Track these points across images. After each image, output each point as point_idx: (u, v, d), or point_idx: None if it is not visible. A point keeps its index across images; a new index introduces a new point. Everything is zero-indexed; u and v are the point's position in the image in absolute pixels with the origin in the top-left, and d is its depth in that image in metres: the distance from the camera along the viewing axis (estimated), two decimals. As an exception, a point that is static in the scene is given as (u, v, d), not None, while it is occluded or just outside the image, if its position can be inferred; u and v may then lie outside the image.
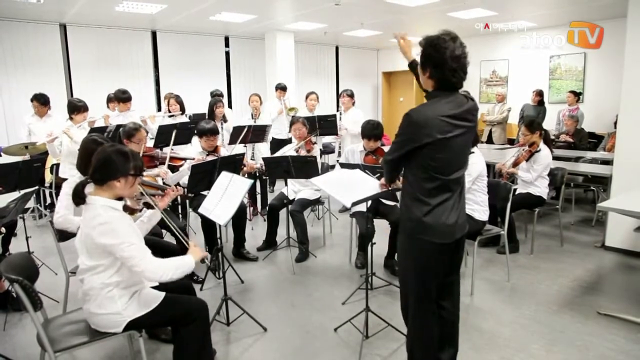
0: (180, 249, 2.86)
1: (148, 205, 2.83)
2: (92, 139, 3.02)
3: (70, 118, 5.03)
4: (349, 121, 6.07)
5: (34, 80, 7.06)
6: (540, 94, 8.08)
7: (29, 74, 7.11)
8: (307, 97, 6.82)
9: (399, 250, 2.42)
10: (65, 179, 4.55)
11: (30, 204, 5.54)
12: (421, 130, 2.07)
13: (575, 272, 4.17)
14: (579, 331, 3.15)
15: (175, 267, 2.25)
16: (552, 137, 6.68)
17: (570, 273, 4.15)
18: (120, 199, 2.30)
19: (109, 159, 2.23)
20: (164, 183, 3.62)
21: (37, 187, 4.63)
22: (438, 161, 2.12)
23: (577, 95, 7.78)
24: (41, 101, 5.75)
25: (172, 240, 3.73)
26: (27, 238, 4.18)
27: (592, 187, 5.89)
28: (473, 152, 3.66)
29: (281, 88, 7.03)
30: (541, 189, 4.64)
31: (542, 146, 4.70)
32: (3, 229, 3.84)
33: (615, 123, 6.09)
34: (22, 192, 3.75)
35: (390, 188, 2.77)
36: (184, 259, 2.33)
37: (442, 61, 2.05)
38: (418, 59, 2.24)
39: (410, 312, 2.36)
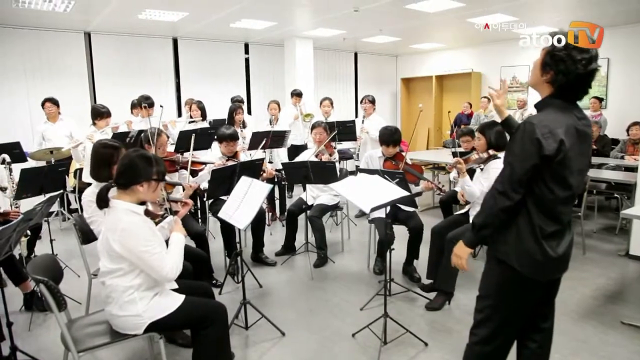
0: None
1: (169, 211, 2.88)
2: (102, 144, 3.00)
3: (94, 124, 5.13)
4: (371, 127, 6.05)
5: (59, 87, 7.24)
6: (561, 99, 7.95)
7: (54, 81, 7.31)
8: (321, 103, 6.86)
9: (485, 271, 2.10)
10: (88, 184, 4.66)
11: (55, 207, 5.67)
12: (549, 138, 1.77)
13: (598, 281, 4.09)
14: (602, 341, 3.09)
15: (179, 255, 2.35)
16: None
17: (592, 282, 4.07)
18: (142, 203, 2.35)
19: (132, 163, 2.28)
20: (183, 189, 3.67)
21: (61, 191, 4.74)
22: (555, 184, 1.84)
23: (600, 101, 7.66)
24: (53, 101, 5.84)
25: (191, 243, 3.78)
26: (51, 241, 4.28)
27: (615, 195, 5.78)
28: None
29: (296, 94, 7.08)
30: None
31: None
32: (28, 231, 3.94)
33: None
34: (47, 195, 3.83)
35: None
36: (177, 242, 2.42)
37: (575, 71, 1.80)
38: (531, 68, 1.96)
39: (475, 337, 2.10)
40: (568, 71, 1.82)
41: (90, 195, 2.93)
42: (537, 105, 1.96)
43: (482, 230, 1.96)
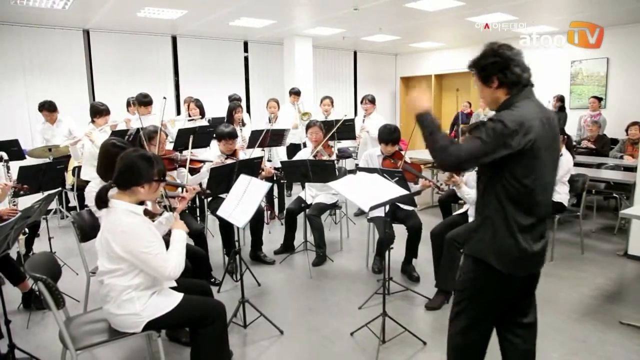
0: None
1: (167, 208, 2.87)
2: (111, 143, 3.00)
3: (92, 121, 5.12)
4: (372, 126, 6.04)
5: (57, 85, 7.23)
6: (561, 99, 7.96)
7: (53, 79, 7.29)
8: (321, 102, 6.86)
9: (461, 266, 2.15)
10: (86, 181, 4.66)
11: (53, 205, 5.65)
12: (519, 133, 1.80)
13: (596, 281, 4.09)
14: (601, 341, 3.09)
15: (181, 254, 2.34)
16: (574, 143, 6.59)
17: (591, 281, 4.08)
18: (141, 202, 2.34)
19: (133, 164, 2.24)
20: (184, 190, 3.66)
21: (59, 189, 4.71)
22: (526, 177, 1.88)
23: (600, 101, 7.67)
24: (50, 109, 5.80)
25: (190, 242, 3.78)
26: (49, 239, 4.26)
27: (614, 194, 5.78)
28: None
29: (295, 93, 7.08)
30: (561, 195, 4.57)
31: (564, 151, 4.63)
32: (26, 229, 3.92)
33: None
34: (46, 193, 3.82)
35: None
36: (179, 239, 2.41)
37: (508, 60, 1.90)
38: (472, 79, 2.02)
39: (454, 328, 2.16)
40: (504, 65, 1.90)
41: (94, 188, 2.92)
42: (499, 109, 1.97)
43: (428, 140, 1.97)
